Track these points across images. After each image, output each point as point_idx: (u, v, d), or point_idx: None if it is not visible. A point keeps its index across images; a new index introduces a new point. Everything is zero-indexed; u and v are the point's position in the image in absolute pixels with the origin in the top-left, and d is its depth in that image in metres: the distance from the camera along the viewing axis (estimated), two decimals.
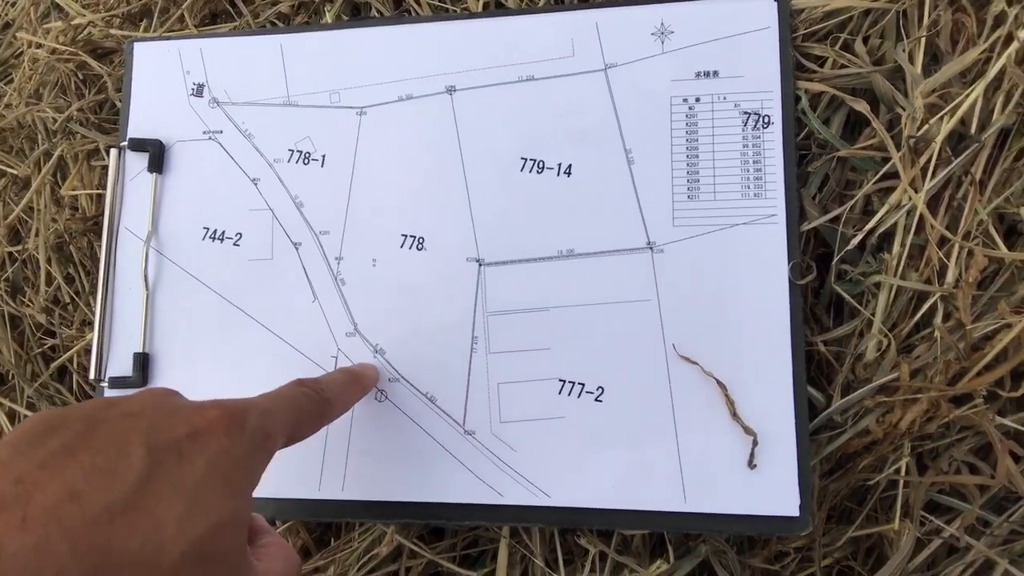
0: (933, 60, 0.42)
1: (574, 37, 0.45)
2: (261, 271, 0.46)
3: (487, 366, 0.43)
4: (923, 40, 0.42)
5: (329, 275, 0.45)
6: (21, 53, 0.58)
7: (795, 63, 0.43)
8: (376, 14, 0.50)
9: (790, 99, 0.42)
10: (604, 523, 0.41)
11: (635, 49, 0.44)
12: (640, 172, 0.43)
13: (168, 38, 0.51)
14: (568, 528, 0.42)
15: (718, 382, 0.40)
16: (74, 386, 0.52)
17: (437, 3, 0.50)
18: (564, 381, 0.42)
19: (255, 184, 0.47)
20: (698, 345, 0.41)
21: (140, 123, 0.49)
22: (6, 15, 0.61)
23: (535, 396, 0.42)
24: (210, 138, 0.48)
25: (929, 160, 0.40)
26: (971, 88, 0.40)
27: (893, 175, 0.41)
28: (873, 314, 0.40)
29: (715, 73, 0.43)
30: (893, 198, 0.41)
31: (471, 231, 0.44)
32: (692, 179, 0.43)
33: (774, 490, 0.39)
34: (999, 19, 0.41)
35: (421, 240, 0.45)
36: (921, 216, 0.40)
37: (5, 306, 0.54)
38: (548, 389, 0.42)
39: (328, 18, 0.51)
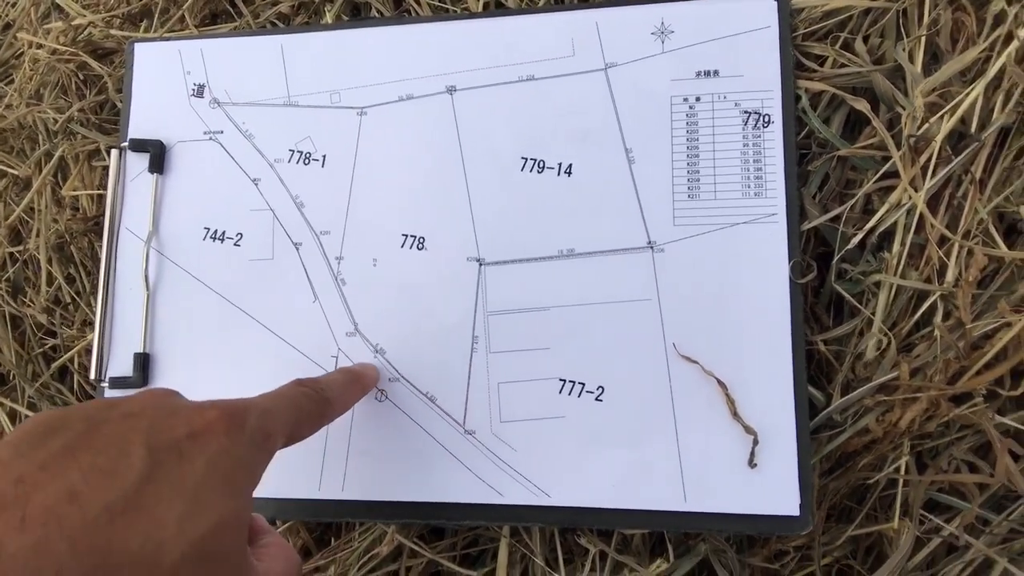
0: (933, 59, 0.42)
1: (574, 37, 0.45)
2: (262, 271, 0.46)
3: (487, 366, 0.43)
4: (923, 39, 0.42)
5: (329, 275, 0.46)
6: (22, 53, 0.58)
7: (795, 62, 0.43)
8: (376, 14, 0.50)
9: (790, 98, 0.42)
10: (604, 523, 0.41)
11: (635, 49, 0.44)
12: (640, 171, 0.43)
13: (168, 38, 0.51)
14: (568, 527, 0.42)
15: (718, 381, 0.40)
16: (75, 386, 0.52)
17: (437, 3, 0.50)
18: (564, 380, 0.42)
19: (256, 184, 0.47)
20: (698, 344, 0.41)
21: (141, 123, 0.49)
22: (6, 15, 0.61)
23: (535, 396, 0.42)
24: (211, 138, 0.48)
25: (929, 159, 0.40)
26: (971, 87, 0.40)
27: (893, 174, 0.41)
28: (873, 313, 0.40)
29: (715, 72, 0.43)
30: (893, 197, 0.41)
31: (471, 231, 0.44)
32: (692, 178, 0.43)
33: (774, 489, 0.39)
34: (999, 18, 0.41)
35: (422, 240, 0.45)
36: (921, 215, 0.40)
37: (6, 306, 0.54)
38: (548, 389, 0.42)
39: (328, 18, 0.51)
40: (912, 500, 0.39)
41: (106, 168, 0.51)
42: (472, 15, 0.47)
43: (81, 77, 0.55)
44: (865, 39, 0.43)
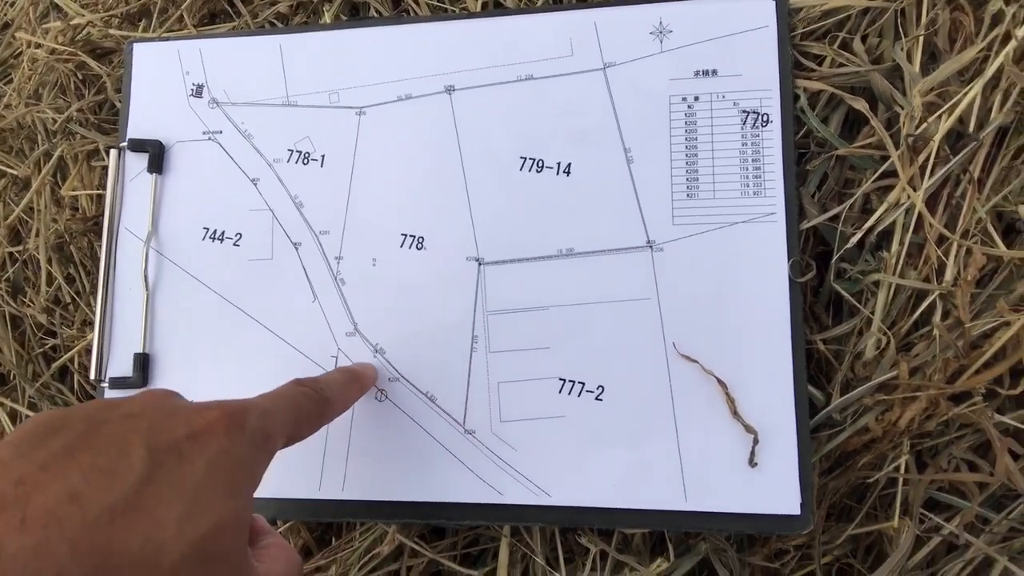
0: (931, 59, 0.43)
1: (573, 36, 0.45)
2: (261, 271, 0.46)
3: (487, 365, 0.43)
4: (921, 39, 0.42)
5: (329, 275, 0.46)
6: (20, 53, 0.58)
7: (794, 62, 0.43)
8: (375, 14, 0.50)
9: (789, 98, 0.42)
10: (605, 522, 0.41)
11: (634, 48, 0.44)
12: (639, 171, 0.43)
13: (167, 38, 0.51)
14: (569, 527, 0.42)
15: (718, 380, 0.40)
16: (75, 386, 0.52)
17: (436, 3, 0.50)
18: (564, 380, 0.42)
19: (255, 184, 0.47)
20: (698, 343, 0.41)
21: (140, 124, 0.49)
22: (5, 15, 0.61)
23: (535, 395, 0.42)
24: (210, 138, 0.48)
25: (927, 158, 0.40)
26: (969, 87, 0.40)
27: (892, 173, 0.41)
28: (872, 312, 0.41)
29: (714, 72, 0.43)
30: (892, 196, 0.41)
31: (471, 230, 0.44)
32: (691, 178, 0.43)
33: (775, 488, 0.39)
34: (997, 18, 0.41)
35: (421, 240, 0.45)
36: (920, 214, 0.40)
37: (6, 306, 0.54)
38: (548, 388, 0.42)
39: (327, 18, 0.51)
40: (912, 499, 0.39)
41: (105, 168, 0.51)
42: (471, 15, 0.47)
43: (80, 77, 0.55)
44: (863, 39, 0.43)
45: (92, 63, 0.54)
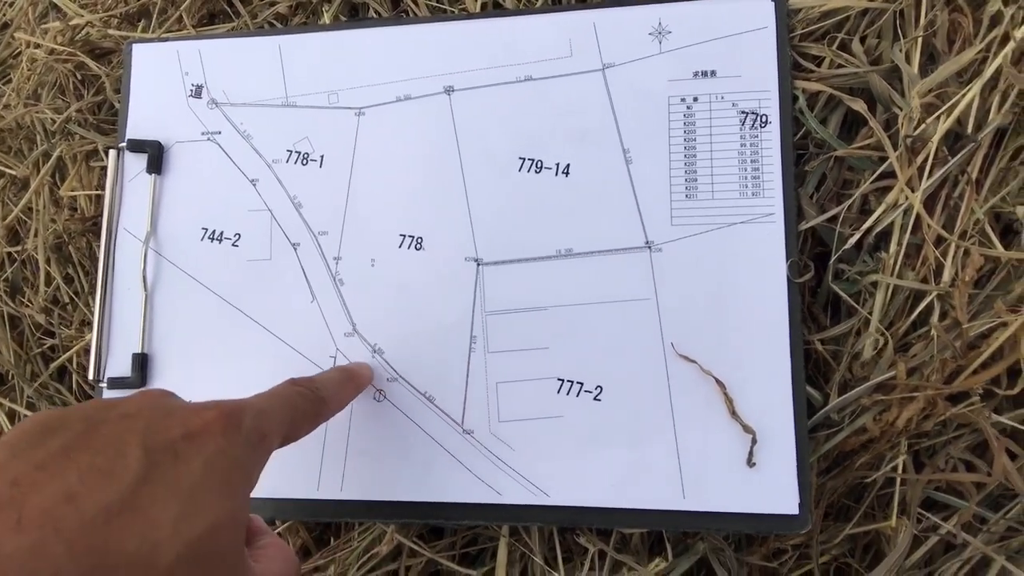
0: (930, 60, 0.43)
1: (572, 37, 0.45)
2: (260, 271, 0.46)
3: (486, 365, 0.43)
4: (920, 40, 0.42)
5: (328, 275, 0.46)
6: (19, 53, 0.58)
7: (792, 63, 0.43)
8: (374, 15, 0.50)
9: (787, 99, 0.42)
10: (603, 522, 0.41)
11: (633, 49, 0.44)
12: (638, 171, 0.43)
13: (166, 39, 0.51)
14: (567, 527, 0.42)
15: (717, 380, 0.40)
16: (74, 386, 0.52)
17: (435, 3, 0.50)
18: (563, 380, 0.42)
19: (254, 185, 0.47)
20: (696, 344, 0.41)
21: (139, 124, 0.49)
22: (4, 15, 0.61)
23: (534, 395, 0.42)
24: (209, 139, 0.48)
25: (926, 160, 0.40)
26: (967, 88, 0.40)
27: (890, 174, 0.41)
28: (870, 313, 0.41)
29: (713, 73, 0.43)
30: (890, 197, 0.41)
31: (469, 231, 0.44)
32: (690, 178, 0.43)
33: (773, 488, 0.39)
34: (995, 19, 0.41)
35: (419, 240, 0.45)
36: (918, 215, 0.40)
37: (4, 306, 0.54)
38: (547, 388, 0.42)
39: (326, 19, 0.51)
40: (910, 499, 0.40)
41: (104, 168, 0.51)
42: (470, 15, 0.47)
43: (79, 77, 0.55)
44: (862, 40, 0.43)
45: (91, 63, 0.54)
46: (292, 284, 0.46)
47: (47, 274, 0.53)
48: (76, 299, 0.52)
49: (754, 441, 0.39)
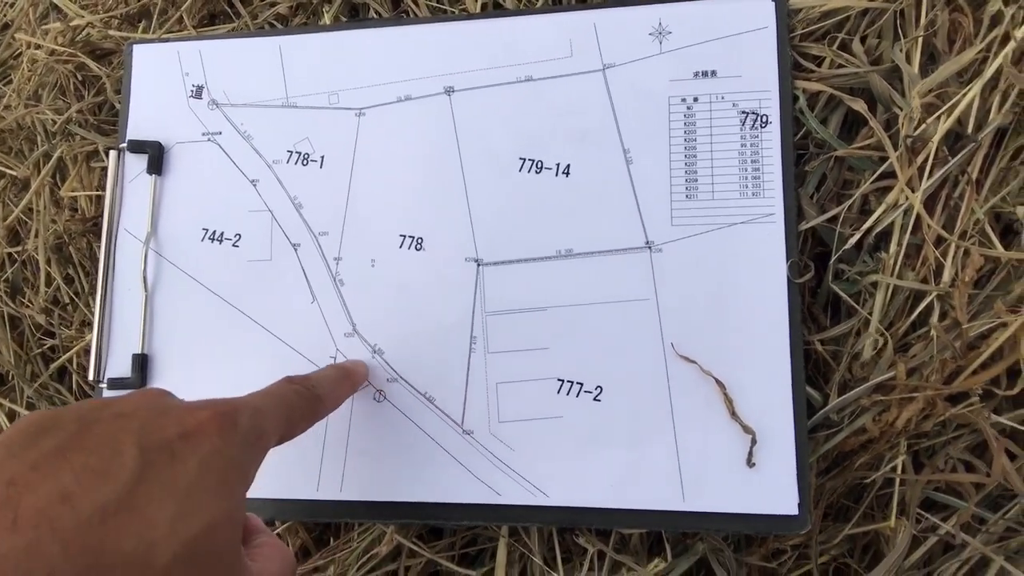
0: (930, 60, 0.43)
1: (572, 37, 0.45)
2: (260, 272, 0.46)
3: (486, 366, 0.43)
4: (920, 40, 0.42)
5: (328, 276, 0.46)
6: (20, 54, 0.58)
7: (793, 63, 0.43)
8: (374, 15, 0.50)
9: (788, 99, 0.42)
10: (603, 522, 0.41)
11: (633, 49, 0.44)
12: (638, 172, 0.43)
13: (167, 39, 0.51)
14: (566, 527, 0.42)
15: (716, 381, 0.40)
16: (74, 387, 0.52)
17: (435, 4, 0.50)
18: (563, 381, 0.42)
19: (254, 185, 0.47)
20: (696, 344, 0.41)
21: (139, 125, 0.49)
22: (5, 16, 0.61)
23: (534, 396, 0.42)
24: (209, 140, 0.48)
25: (926, 160, 0.40)
26: (968, 88, 0.40)
27: (890, 175, 0.41)
28: (870, 313, 0.41)
29: (713, 73, 0.43)
30: (890, 197, 0.41)
31: (470, 231, 0.44)
32: (690, 178, 0.43)
33: (773, 489, 0.39)
34: (996, 19, 0.41)
35: (420, 240, 0.45)
36: (918, 215, 0.40)
37: (5, 307, 0.54)
38: (546, 389, 0.42)
39: (326, 19, 0.51)
40: (909, 499, 0.40)
41: (105, 169, 0.51)
42: (470, 16, 0.47)
43: (79, 78, 0.55)
44: (862, 40, 0.43)
45: (92, 64, 0.54)
46: (292, 284, 0.46)
47: (47, 274, 0.53)
48: (76, 299, 0.52)
49: (754, 441, 0.39)
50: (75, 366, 0.52)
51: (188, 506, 0.25)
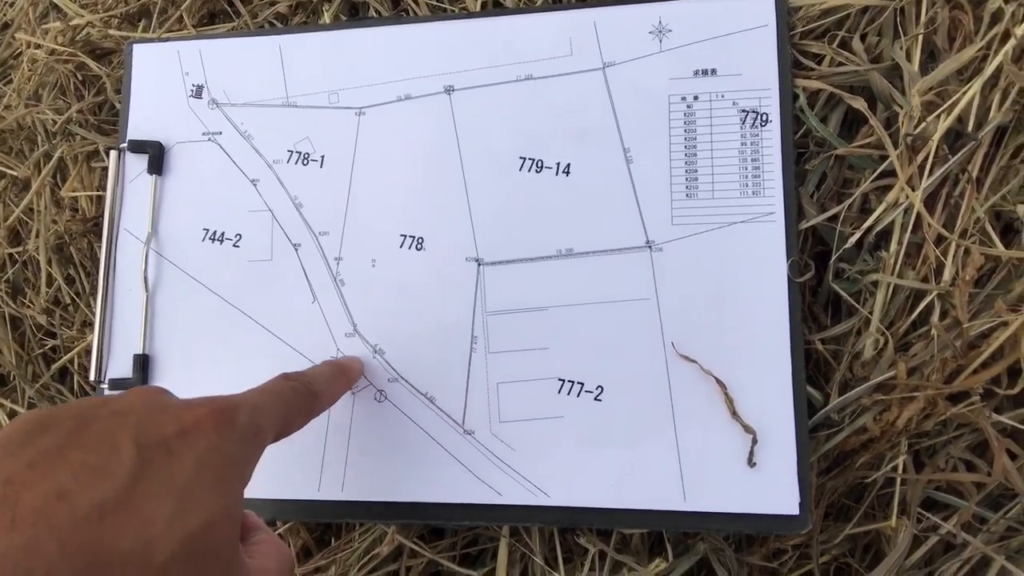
0: (930, 58, 0.42)
1: (572, 36, 0.45)
2: (261, 272, 0.46)
3: (486, 366, 0.43)
4: (920, 38, 0.42)
5: (328, 276, 0.46)
6: (20, 53, 0.58)
7: (793, 61, 0.43)
8: (374, 14, 0.50)
9: (788, 97, 0.42)
10: (603, 522, 0.41)
11: (633, 48, 0.44)
12: (639, 171, 0.43)
13: (167, 39, 0.51)
14: (567, 527, 0.43)
15: (717, 380, 0.40)
16: (75, 387, 0.52)
17: (435, 3, 0.50)
18: (563, 380, 0.42)
19: (254, 185, 0.47)
20: (697, 343, 0.41)
21: (139, 125, 0.49)
22: (4, 15, 0.61)
23: (534, 396, 0.42)
24: (209, 139, 0.48)
25: (926, 158, 0.40)
26: (968, 86, 0.40)
27: (890, 173, 0.41)
28: (871, 312, 0.41)
29: (713, 71, 0.43)
30: (890, 196, 0.41)
31: (470, 231, 0.44)
32: (691, 177, 0.43)
33: (773, 488, 0.39)
34: (996, 16, 0.41)
35: (420, 240, 0.45)
36: (918, 214, 0.40)
37: (6, 307, 0.54)
38: (547, 388, 0.42)
39: (326, 18, 0.51)
40: (910, 498, 0.39)
41: (105, 169, 0.51)
42: (470, 15, 0.47)
43: (80, 77, 0.55)
44: (863, 38, 0.43)
45: (92, 64, 0.54)
46: (293, 285, 0.46)
47: (48, 275, 0.53)
48: (77, 300, 0.52)
49: (755, 441, 0.39)
50: (76, 366, 0.52)
51: (186, 503, 0.25)
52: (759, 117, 0.42)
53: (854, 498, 0.41)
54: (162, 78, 0.50)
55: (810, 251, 0.43)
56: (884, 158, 0.41)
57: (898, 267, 0.40)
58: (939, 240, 0.40)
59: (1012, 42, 0.40)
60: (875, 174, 0.41)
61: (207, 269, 0.47)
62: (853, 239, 0.41)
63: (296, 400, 0.35)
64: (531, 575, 0.43)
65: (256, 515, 0.34)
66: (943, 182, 0.41)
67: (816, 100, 0.43)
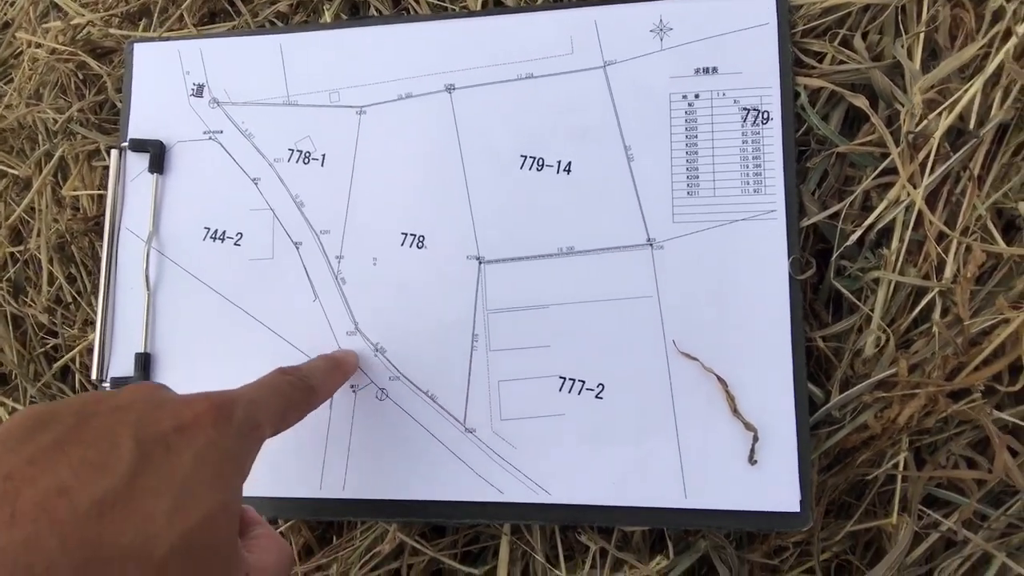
0: (932, 56, 0.42)
1: (573, 35, 0.45)
2: (262, 271, 0.46)
3: (487, 364, 0.43)
4: (921, 36, 0.42)
5: (330, 274, 0.46)
6: (21, 53, 0.58)
7: (794, 59, 0.43)
8: (375, 13, 0.50)
9: (789, 95, 0.42)
10: (605, 520, 0.41)
11: (634, 46, 0.44)
12: (640, 169, 0.43)
13: (167, 38, 0.51)
14: (569, 525, 0.43)
15: (718, 378, 0.40)
16: (76, 386, 0.52)
17: (436, 2, 0.50)
18: (564, 378, 0.42)
19: (255, 184, 0.47)
20: (698, 341, 0.41)
21: (140, 124, 0.49)
22: (5, 15, 0.61)
23: (535, 393, 0.42)
24: (210, 138, 0.48)
25: (928, 156, 0.40)
26: (969, 84, 0.40)
27: (892, 171, 0.41)
28: (872, 310, 0.41)
29: (714, 69, 0.43)
30: (892, 194, 0.41)
31: (471, 229, 0.44)
32: (692, 175, 0.43)
33: (775, 486, 0.39)
34: (997, 14, 0.41)
35: (421, 238, 0.45)
36: (920, 212, 0.40)
37: (8, 306, 0.54)
38: (548, 386, 0.42)
39: (327, 17, 0.51)
40: (911, 495, 0.40)
41: (106, 168, 0.51)
42: (471, 13, 0.47)
43: (80, 77, 0.55)
44: (864, 36, 0.43)
45: (92, 63, 0.54)
46: (294, 283, 0.46)
47: (50, 274, 0.53)
48: (79, 299, 0.52)
49: (756, 439, 0.39)
50: (78, 365, 0.52)
51: (184, 499, 0.25)
52: (760, 115, 0.42)
53: (855, 495, 0.41)
54: (163, 77, 0.50)
55: (811, 249, 0.43)
56: (885, 156, 0.41)
57: (899, 264, 0.40)
58: (940, 237, 0.40)
59: (1013, 40, 0.40)
60: (876, 172, 0.41)
61: (208, 268, 0.47)
62: (854, 236, 0.41)
63: (293, 395, 0.35)
64: (532, 573, 0.43)
65: (255, 510, 0.34)
66: (944, 180, 0.41)
67: (817, 98, 0.43)
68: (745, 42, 0.43)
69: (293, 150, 0.47)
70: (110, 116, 0.54)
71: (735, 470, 0.39)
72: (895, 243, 0.41)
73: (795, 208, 0.41)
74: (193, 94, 0.49)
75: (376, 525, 0.44)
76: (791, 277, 0.40)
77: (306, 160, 0.47)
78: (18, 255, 0.55)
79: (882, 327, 0.40)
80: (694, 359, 0.41)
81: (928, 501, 0.40)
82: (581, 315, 0.42)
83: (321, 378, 0.38)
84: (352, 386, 0.44)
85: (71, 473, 0.24)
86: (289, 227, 0.46)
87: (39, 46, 0.56)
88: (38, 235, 0.53)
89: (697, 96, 0.43)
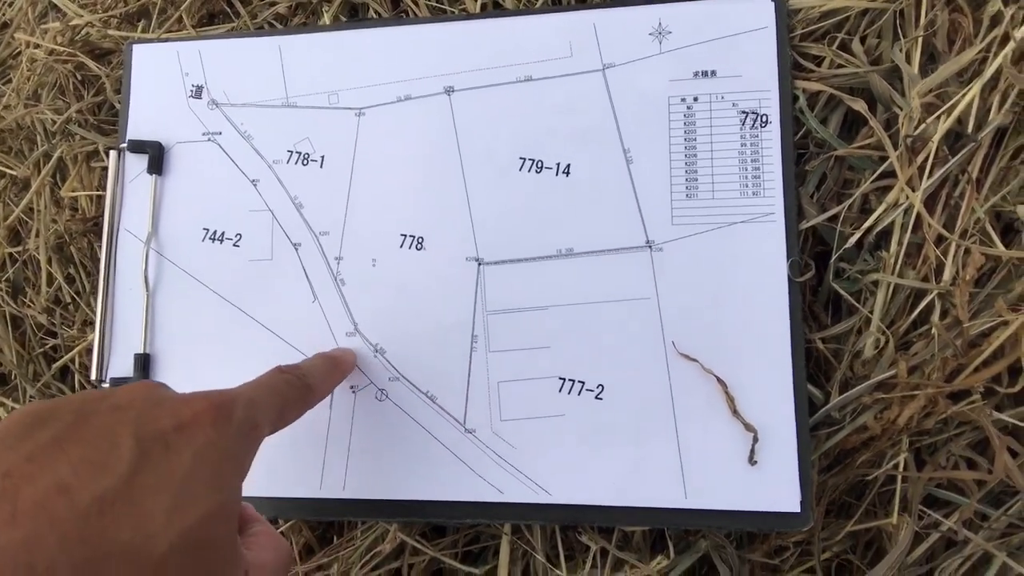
0: (930, 60, 0.43)
1: (572, 38, 0.45)
2: (261, 272, 0.46)
3: (487, 365, 0.43)
4: (920, 40, 0.42)
5: (329, 275, 0.46)
6: (19, 53, 0.58)
7: (793, 62, 0.43)
8: (374, 15, 0.50)
9: (788, 98, 0.42)
10: (605, 520, 0.41)
11: (633, 49, 0.44)
12: (639, 171, 0.43)
13: (166, 39, 0.51)
14: (569, 525, 0.43)
15: (718, 379, 0.40)
16: (76, 386, 0.52)
17: (435, 4, 0.50)
18: (564, 379, 0.42)
19: (255, 185, 0.47)
20: (698, 343, 0.41)
21: (139, 125, 0.49)
22: (3, 15, 0.61)
23: (535, 394, 0.42)
24: (209, 139, 0.48)
25: (926, 159, 0.40)
26: (968, 87, 0.40)
27: (890, 174, 0.41)
28: (871, 312, 0.41)
29: (713, 73, 0.43)
30: (891, 197, 0.41)
31: (470, 231, 0.44)
32: (691, 178, 0.43)
33: (775, 486, 0.39)
34: (995, 19, 0.41)
35: (420, 240, 0.45)
36: (918, 215, 0.40)
37: (7, 306, 0.54)
38: (548, 387, 0.42)
39: (326, 19, 0.51)
40: (911, 496, 0.40)
41: (105, 169, 0.51)
42: (470, 16, 0.47)
43: (79, 77, 0.55)
44: (862, 40, 0.43)
45: (91, 64, 0.54)
46: (293, 284, 0.46)
47: (49, 274, 0.53)
48: (78, 299, 0.52)
49: (755, 439, 0.39)
50: (77, 365, 0.52)
51: (184, 497, 0.25)
52: (759, 118, 0.43)
53: (855, 495, 0.41)
54: (162, 78, 0.50)
55: (810, 251, 0.43)
56: (884, 159, 0.41)
57: (898, 267, 0.41)
58: (939, 240, 0.40)
59: (1011, 45, 0.40)
60: (875, 175, 0.42)
61: (207, 269, 0.47)
62: (853, 239, 0.41)
63: (291, 393, 0.35)
64: (533, 573, 0.43)
65: (254, 508, 0.34)
66: (943, 183, 0.41)
67: (816, 101, 0.43)
68: (744, 46, 0.43)
69: (292, 151, 0.47)
70: (109, 117, 0.54)
71: (735, 470, 0.40)
72: (894, 246, 0.41)
73: (794, 211, 0.41)
74: (192, 95, 0.49)
75: (377, 525, 0.44)
76: (790, 279, 0.41)
77: (305, 161, 0.47)
78: (17, 256, 0.55)
79: (881, 329, 0.40)
80: (693, 360, 0.41)
81: (928, 501, 0.40)
82: (581, 316, 0.42)
83: (319, 376, 0.38)
84: (352, 387, 0.44)
85: (70, 471, 0.24)
86: (288, 228, 0.46)
87: (38, 47, 0.56)
88: (37, 236, 0.53)
89: (696, 99, 0.43)
